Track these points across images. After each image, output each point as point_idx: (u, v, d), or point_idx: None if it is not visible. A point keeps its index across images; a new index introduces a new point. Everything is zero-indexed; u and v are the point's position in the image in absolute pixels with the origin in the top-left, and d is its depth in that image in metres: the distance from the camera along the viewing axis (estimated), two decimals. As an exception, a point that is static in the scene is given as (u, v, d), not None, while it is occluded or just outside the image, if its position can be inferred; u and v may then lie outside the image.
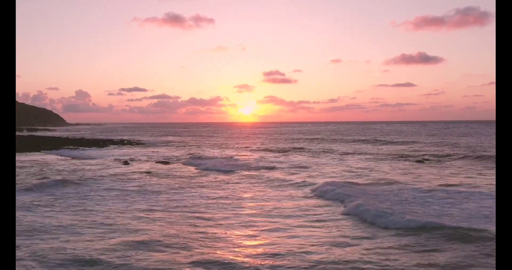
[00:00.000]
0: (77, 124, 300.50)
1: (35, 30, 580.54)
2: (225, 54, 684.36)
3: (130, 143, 61.74)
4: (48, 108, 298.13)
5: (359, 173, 23.19)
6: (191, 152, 41.67)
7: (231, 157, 34.43)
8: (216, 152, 41.28)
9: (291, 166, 27.56)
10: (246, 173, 24.01)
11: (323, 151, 40.99)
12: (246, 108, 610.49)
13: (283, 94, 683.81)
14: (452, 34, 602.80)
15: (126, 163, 30.51)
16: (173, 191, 18.00)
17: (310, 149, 44.94)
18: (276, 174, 23.29)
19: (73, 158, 34.85)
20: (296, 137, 77.98)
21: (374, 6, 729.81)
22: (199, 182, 20.70)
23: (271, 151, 42.81)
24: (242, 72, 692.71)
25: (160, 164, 30.25)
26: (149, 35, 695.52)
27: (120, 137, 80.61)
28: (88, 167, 27.30)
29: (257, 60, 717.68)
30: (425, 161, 29.73)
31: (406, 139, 61.97)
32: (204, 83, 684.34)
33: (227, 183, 20.58)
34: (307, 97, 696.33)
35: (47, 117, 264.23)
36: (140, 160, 33.44)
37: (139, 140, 70.34)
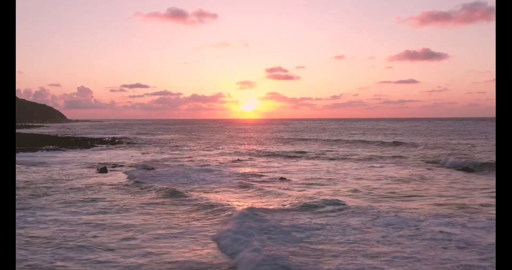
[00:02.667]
0: (77, 120, 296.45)
1: (37, 26, 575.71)
2: (228, 50, 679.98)
3: (120, 142, 55.79)
4: (50, 104, 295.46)
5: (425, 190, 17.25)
6: (173, 153, 35.76)
7: (206, 165, 27.38)
8: (196, 155, 35.05)
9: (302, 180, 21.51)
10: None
11: (343, 157, 33.85)
12: (248, 104, 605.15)
13: (285, 91, 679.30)
14: (458, 30, 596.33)
15: (103, 170, 24.49)
16: None
17: (323, 152, 38.90)
18: (273, 187, 17.34)
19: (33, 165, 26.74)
20: (300, 135, 71.83)
21: (379, 1, 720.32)
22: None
23: (273, 155, 35.80)
24: (245, 69, 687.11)
25: (101, 174, 23.41)
26: (151, 31, 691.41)
27: (112, 136, 74.61)
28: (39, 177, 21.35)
29: (260, 56, 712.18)
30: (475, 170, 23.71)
31: (430, 139, 55.76)
32: (206, 80, 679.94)
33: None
34: (310, 94, 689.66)
35: (47, 113, 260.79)
36: (117, 166, 27.46)
37: (134, 138, 64.52)
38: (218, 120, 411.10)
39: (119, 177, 22.04)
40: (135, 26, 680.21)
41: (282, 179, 20.61)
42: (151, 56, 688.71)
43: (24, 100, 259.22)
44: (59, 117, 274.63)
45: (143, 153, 37.41)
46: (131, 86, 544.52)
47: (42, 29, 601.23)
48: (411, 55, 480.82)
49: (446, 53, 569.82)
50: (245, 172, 23.48)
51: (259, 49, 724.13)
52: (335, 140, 54.66)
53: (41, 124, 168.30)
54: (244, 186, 18.33)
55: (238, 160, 31.14)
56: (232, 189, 17.90)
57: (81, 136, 72.74)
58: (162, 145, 50.62)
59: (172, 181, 19.90)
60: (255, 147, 45.87)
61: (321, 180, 20.39)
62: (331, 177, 21.24)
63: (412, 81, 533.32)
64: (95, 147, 45.85)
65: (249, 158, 32.35)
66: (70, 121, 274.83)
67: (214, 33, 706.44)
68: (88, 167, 26.43)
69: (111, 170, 24.94)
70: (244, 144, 50.83)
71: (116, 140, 59.34)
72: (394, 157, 31.76)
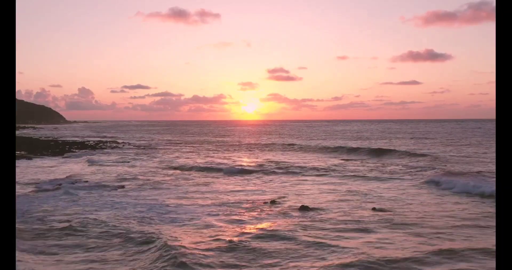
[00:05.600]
0: (75, 121, 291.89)
1: (37, 27, 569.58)
2: (230, 51, 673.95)
3: (104, 147, 49.63)
4: (51, 105, 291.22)
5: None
6: (165, 161, 29.54)
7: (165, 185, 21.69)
8: (167, 168, 28.71)
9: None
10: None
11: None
12: (249, 106, 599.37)
13: (286, 92, 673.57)
14: (463, 30, 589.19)
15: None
16: None
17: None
18: None
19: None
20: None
21: (383, 1, 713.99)
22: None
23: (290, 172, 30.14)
24: (246, 69, 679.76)
25: None
26: (152, 31, 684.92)
27: (98, 139, 68.40)
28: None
29: (261, 56, 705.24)
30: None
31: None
32: (208, 80, 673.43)
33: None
34: (311, 95, 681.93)
35: (46, 114, 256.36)
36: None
37: (125, 142, 58.40)
38: (219, 121, 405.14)
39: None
40: (136, 26, 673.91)
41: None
42: (152, 56, 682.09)
43: (23, 101, 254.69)
44: (57, 118, 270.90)
45: (100, 166, 31.11)
46: (132, 87, 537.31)
47: (43, 29, 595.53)
48: (414, 56, 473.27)
49: (450, 54, 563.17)
50: (225, 201, 17.20)
51: (261, 49, 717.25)
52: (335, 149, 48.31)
53: (34, 126, 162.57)
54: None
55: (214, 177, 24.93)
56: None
57: (66, 139, 66.68)
58: (147, 150, 44.34)
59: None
60: (244, 155, 39.61)
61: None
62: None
63: (414, 82, 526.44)
64: (71, 153, 39.78)
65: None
66: (68, 122, 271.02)
67: (216, 33, 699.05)
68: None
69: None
70: (234, 151, 44.59)
71: (101, 144, 53.28)
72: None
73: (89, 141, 59.67)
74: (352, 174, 22.94)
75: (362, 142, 53.75)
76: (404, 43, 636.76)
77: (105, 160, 32.68)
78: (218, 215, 13.28)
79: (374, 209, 14.26)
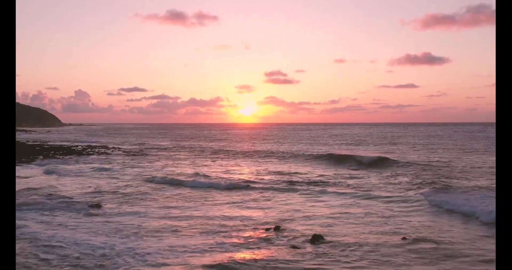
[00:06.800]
0: (70, 124, 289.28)
1: (33, 29, 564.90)
2: (228, 53, 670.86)
3: (92, 152, 46.50)
4: (48, 108, 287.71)
5: None
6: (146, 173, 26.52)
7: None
8: (141, 185, 25.90)
9: None
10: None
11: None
12: (246, 108, 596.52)
13: (283, 95, 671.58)
14: (461, 34, 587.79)
15: None
16: None
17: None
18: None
19: None
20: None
21: (383, 3, 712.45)
22: None
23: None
24: (244, 72, 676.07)
25: None
26: (150, 33, 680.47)
27: (88, 144, 65.24)
28: None
29: (259, 59, 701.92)
30: None
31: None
32: (205, 83, 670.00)
33: None
34: (308, 98, 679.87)
35: (41, 117, 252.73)
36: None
37: (115, 147, 55.33)
38: (215, 124, 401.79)
39: None
40: (133, 28, 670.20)
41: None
42: (149, 59, 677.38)
43: (19, 103, 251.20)
44: (53, 120, 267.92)
45: (59, 177, 28.05)
46: (129, 90, 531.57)
47: (39, 32, 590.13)
48: (412, 59, 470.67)
49: (448, 57, 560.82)
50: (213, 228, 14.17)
51: (259, 52, 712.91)
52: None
53: (25, 128, 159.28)
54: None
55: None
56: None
57: (54, 143, 63.49)
58: (136, 157, 41.24)
59: None
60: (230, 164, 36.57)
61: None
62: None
63: (411, 86, 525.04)
64: (54, 159, 36.70)
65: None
66: (64, 124, 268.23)
67: (213, 35, 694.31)
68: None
69: None
70: (219, 159, 41.59)
71: (89, 149, 50.18)
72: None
73: (77, 146, 56.51)
74: (364, 189, 19.75)
75: (367, 148, 50.85)
76: (402, 46, 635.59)
77: (76, 169, 29.43)
78: (206, 251, 10.25)
79: (404, 238, 11.35)
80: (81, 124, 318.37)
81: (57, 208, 15.58)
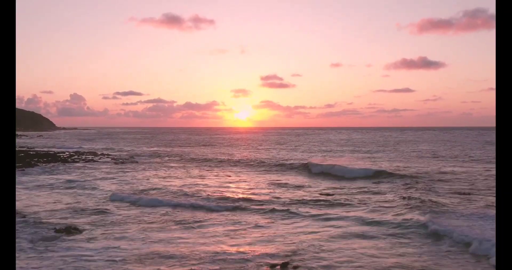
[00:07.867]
0: (64, 128, 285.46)
1: (28, 33, 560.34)
2: (224, 57, 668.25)
3: (78, 159, 43.72)
4: (43, 112, 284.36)
5: None
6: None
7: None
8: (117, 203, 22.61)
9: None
10: None
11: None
12: (242, 113, 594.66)
13: (279, 99, 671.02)
14: (457, 38, 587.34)
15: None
16: None
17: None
18: None
19: None
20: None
21: (380, 7, 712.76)
22: None
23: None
24: (240, 76, 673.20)
25: None
26: (145, 37, 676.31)
27: (76, 150, 62.40)
28: None
29: (255, 63, 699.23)
30: None
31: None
32: (201, 87, 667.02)
33: None
34: (304, 102, 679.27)
35: (35, 121, 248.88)
36: None
37: (104, 154, 52.54)
38: (211, 128, 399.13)
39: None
40: (129, 32, 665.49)
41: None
42: (145, 63, 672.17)
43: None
44: (48, 124, 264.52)
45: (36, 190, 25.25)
46: (125, 94, 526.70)
47: (34, 36, 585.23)
48: (408, 64, 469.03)
49: (444, 62, 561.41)
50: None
51: (255, 56, 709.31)
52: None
53: (17, 133, 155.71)
54: None
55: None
56: None
57: (41, 149, 60.59)
58: (124, 164, 38.45)
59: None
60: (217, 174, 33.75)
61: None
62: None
63: (407, 90, 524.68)
64: (35, 167, 33.94)
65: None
66: (58, 128, 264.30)
67: (210, 39, 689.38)
68: None
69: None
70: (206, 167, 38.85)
71: (75, 156, 47.39)
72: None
73: (64, 152, 53.66)
74: (382, 214, 16.73)
75: (375, 156, 48.35)
76: (398, 50, 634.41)
77: (40, 181, 26.61)
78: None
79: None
80: (75, 128, 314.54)
81: None
